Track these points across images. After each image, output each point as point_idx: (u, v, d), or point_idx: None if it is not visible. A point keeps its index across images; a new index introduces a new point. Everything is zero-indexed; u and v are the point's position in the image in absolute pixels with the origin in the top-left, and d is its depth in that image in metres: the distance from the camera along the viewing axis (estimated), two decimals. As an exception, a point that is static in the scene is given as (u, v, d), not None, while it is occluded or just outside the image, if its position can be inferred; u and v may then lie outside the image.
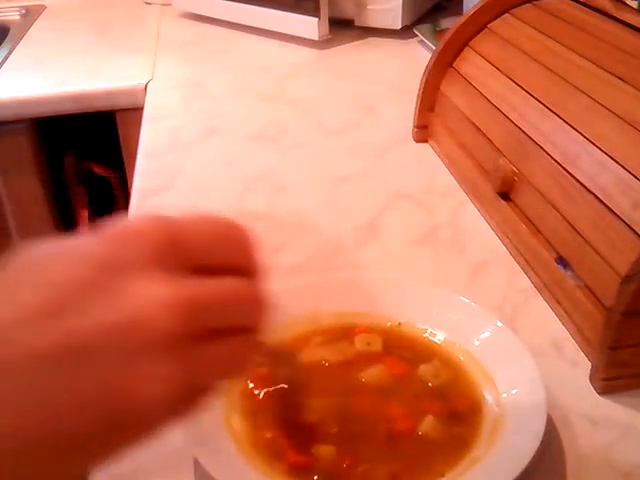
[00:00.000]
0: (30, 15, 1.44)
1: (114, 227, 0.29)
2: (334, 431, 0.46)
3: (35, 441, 0.25)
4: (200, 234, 0.31)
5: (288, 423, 0.46)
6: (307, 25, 1.17)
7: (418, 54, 1.14)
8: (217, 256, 0.31)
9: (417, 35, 1.18)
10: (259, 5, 1.22)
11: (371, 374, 0.50)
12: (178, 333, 0.27)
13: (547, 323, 0.57)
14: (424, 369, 0.50)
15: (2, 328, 0.25)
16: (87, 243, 0.29)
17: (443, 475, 0.42)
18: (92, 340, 0.26)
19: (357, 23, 1.22)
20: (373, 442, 0.45)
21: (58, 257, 0.28)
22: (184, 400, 0.29)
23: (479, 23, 0.80)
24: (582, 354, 0.54)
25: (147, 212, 0.29)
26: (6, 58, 1.21)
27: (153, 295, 0.27)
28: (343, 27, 1.22)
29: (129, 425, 0.27)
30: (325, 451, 0.44)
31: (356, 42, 1.22)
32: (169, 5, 1.40)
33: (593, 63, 0.63)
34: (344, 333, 0.53)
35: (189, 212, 0.32)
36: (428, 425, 0.46)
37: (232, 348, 0.30)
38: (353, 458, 0.44)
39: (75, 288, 0.26)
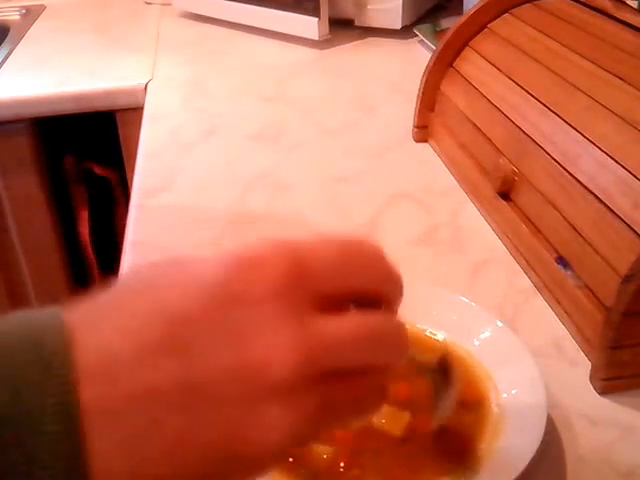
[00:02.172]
0: (30, 15, 1.44)
1: (236, 251, 0.27)
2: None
3: None
4: (331, 260, 0.28)
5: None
6: (307, 25, 1.17)
7: (418, 54, 1.14)
8: (350, 284, 0.29)
9: (417, 35, 1.18)
10: (259, 5, 1.22)
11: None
12: (296, 380, 0.25)
13: (547, 323, 0.57)
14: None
15: (112, 362, 0.24)
16: (206, 268, 0.27)
17: (445, 475, 0.42)
18: (208, 383, 0.25)
19: (357, 23, 1.22)
20: (376, 441, 0.45)
21: (173, 281, 0.26)
22: (301, 441, 0.28)
23: (479, 23, 0.80)
24: (582, 354, 0.54)
25: (272, 237, 0.28)
26: (6, 58, 1.21)
27: (271, 338, 0.25)
28: (343, 27, 1.22)
29: (240, 467, 0.26)
30: (321, 451, 0.44)
31: (356, 42, 1.22)
32: (169, 5, 1.40)
33: (593, 63, 0.63)
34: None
35: (315, 235, 0.29)
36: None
37: (361, 389, 0.29)
38: (350, 457, 0.44)
39: (191, 322, 0.25)
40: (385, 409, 0.46)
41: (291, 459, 0.43)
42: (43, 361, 0.23)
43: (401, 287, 0.31)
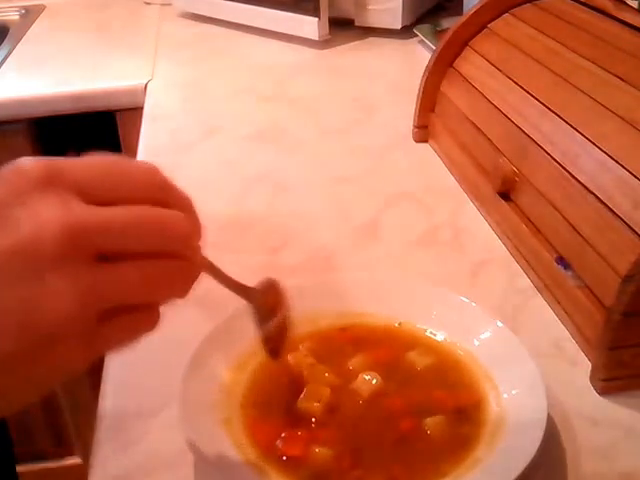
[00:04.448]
0: (30, 15, 1.44)
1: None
2: (333, 429, 0.46)
3: None
4: (92, 168, 0.31)
5: (287, 419, 0.47)
6: (307, 25, 1.17)
7: (418, 54, 1.14)
8: (117, 189, 0.31)
9: (417, 35, 1.18)
10: (259, 5, 1.22)
11: (358, 362, 0.50)
12: (66, 251, 0.28)
13: (547, 323, 0.57)
14: (412, 355, 0.51)
15: None
16: None
17: (446, 475, 0.42)
18: None
19: (357, 23, 1.22)
20: (377, 442, 0.45)
21: None
22: (104, 321, 0.30)
23: (479, 23, 0.80)
24: (582, 354, 0.54)
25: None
26: (6, 58, 1.21)
27: (37, 217, 0.28)
28: (343, 27, 1.22)
29: (48, 343, 0.28)
30: (322, 453, 0.44)
31: (356, 42, 1.22)
32: (169, 5, 1.40)
33: (593, 63, 0.63)
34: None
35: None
36: (435, 423, 0.46)
37: (147, 267, 0.31)
38: (352, 458, 0.44)
39: None
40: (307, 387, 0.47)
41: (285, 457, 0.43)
42: None
43: (189, 202, 0.35)
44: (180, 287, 0.33)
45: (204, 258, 0.36)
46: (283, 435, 0.45)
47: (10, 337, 0.28)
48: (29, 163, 0.30)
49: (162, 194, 0.33)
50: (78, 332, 0.29)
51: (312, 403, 0.47)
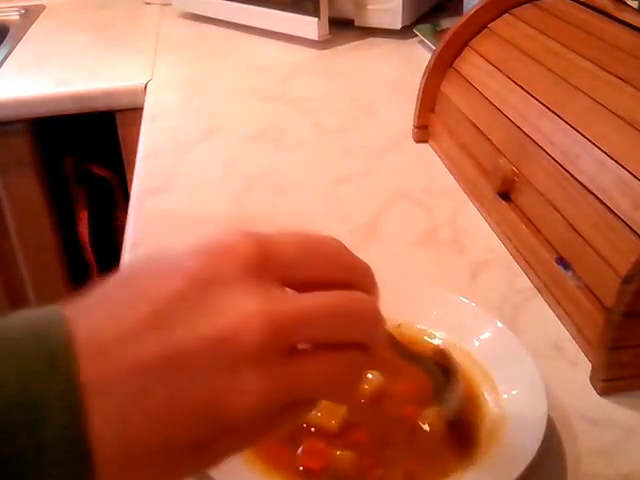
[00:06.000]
0: (30, 15, 1.44)
1: (206, 242, 0.30)
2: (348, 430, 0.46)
3: (141, 449, 0.26)
4: (293, 247, 0.31)
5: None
6: (307, 25, 1.17)
7: (418, 54, 1.14)
8: (313, 272, 0.31)
9: (417, 35, 1.18)
10: (259, 5, 1.22)
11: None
12: (266, 347, 0.27)
13: (547, 324, 0.57)
14: None
15: (104, 343, 0.26)
16: (181, 258, 0.29)
17: (447, 475, 0.42)
18: (188, 352, 0.27)
19: (357, 23, 1.22)
20: (387, 439, 0.45)
21: (154, 272, 0.29)
22: (281, 412, 0.29)
23: (479, 23, 0.80)
24: (582, 354, 0.54)
25: (239, 229, 0.30)
26: (5, 58, 1.21)
27: (242, 309, 0.27)
28: (343, 27, 1.22)
29: (224, 434, 0.28)
30: (342, 455, 0.44)
31: (356, 42, 1.22)
32: (169, 5, 1.40)
33: (593, 63, 0.63)
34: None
35: (281, 231, 0.31)
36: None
37: (334, 363, 0.30)
38: (372, 458, 0.44)
39: (170, 302, 0.27)
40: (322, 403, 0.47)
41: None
42: (48, 353, 0.25)
43: (371, 275, 0.33)
44: (354, 386, 0.32)
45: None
46: (300, 449, 0.44)
47: (189, 426, 0.27)
48: (241, 240, 0.29)
49: (351, 275, 0.32)
50: (255, 426, 0.28)
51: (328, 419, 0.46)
